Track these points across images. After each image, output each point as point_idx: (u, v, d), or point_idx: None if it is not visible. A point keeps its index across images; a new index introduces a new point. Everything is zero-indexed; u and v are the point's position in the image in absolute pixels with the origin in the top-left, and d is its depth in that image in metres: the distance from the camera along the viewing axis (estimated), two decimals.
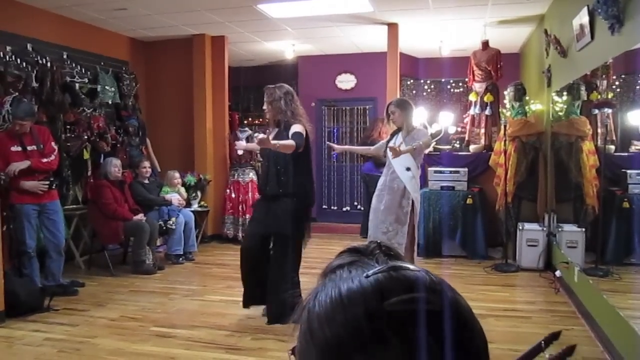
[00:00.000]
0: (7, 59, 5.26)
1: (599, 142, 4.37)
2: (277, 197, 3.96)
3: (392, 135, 4.72)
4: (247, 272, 4.13)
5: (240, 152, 7.28)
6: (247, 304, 4.18)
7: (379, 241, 0.63)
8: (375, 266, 0.58)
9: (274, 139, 3.92)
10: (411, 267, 0.58)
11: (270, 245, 4.09)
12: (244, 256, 4.16)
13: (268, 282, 4.02)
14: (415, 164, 4.51)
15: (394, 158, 4.47)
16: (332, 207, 8.85)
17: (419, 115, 7.18)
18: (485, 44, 6.72)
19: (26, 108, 4.73)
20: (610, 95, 4.15)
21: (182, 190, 6.63)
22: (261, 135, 3.65)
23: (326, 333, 0.56)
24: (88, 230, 6.06)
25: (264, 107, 4.12)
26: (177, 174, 6.60)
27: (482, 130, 6.77)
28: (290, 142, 3.76)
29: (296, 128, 3.88)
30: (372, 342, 0.53)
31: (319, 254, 6.63)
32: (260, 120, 9.59)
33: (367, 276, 0.56)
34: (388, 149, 4.60)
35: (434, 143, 6.35)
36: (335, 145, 5.27)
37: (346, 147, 5.36)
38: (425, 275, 0.57)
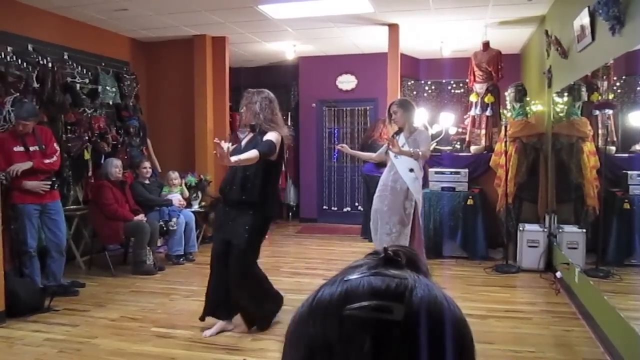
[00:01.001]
0: (8, 59, 5.26)
1: (599, 143, 4.37)
2: (239, 204, 3.75)
3: (394, 136, 4.71)
4: (213, 278, 3.93)
5: None
6: (204, 315, 3.95)
7: (385, 246, 0.61)
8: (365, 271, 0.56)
9: (247, 143, 3.81)
10: (396, 272, 0.55)
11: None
12: (212, 262, 3.96)
13: (232, 293, 3.85)
14: (419, 166, 4.51)
15: (394, 151, 4.44)
16: (333, 208, 8.86)
17: (420, 116, 7.20)
18: (486, 45, 6.72)
19: (29, 108, 4.74)
20: (611, 96, 4.15)
21: (184, 189, 6.64)
22: (222, 144, 3.38)
23: (297, 337, 0.55)
24: (89, 231, 6.06)
25: (240, 109, 3.96)
26: (173, 175, 6.60)
27: (483, 131, 6.77)
28: (253, 153, 3.54)
29: (270, 136, 3.69)
30: (322, 350, 0.52)
31: (319, 254, 6.65)
32: None
33: (347, 280, 0.55)
34: (389, 145, 4.57)
35: (434, 145, 6.36)
36: (347, 147, 5.13)
37: (352, 151, 5.34)
38: (398, 282, 0.54)
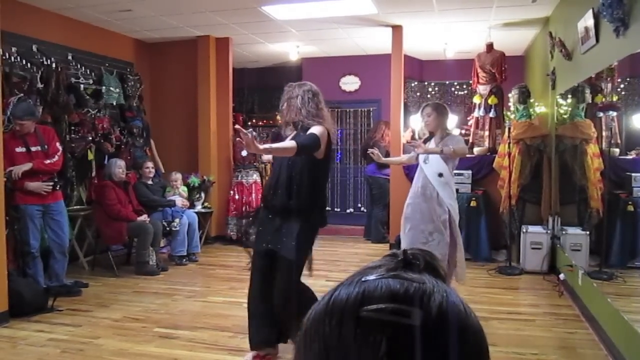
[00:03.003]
0: (12, 59, 5.28)
1: (603, 145, 4.36)
2: (284, 211, 3.29)
3: (425, 142, 4.46)
4: (257, 296, 3.42)
5: (244, 154, 7.29)
6: (256, 344, 3.41)
7: (405, 248, 0.60)
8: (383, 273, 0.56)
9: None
10: (414, 276, 0.55)
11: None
12: (255, 279, 3.43)
13: (277, 311, 3.35)
14: (449, 170, 4.25)
15: (418, 151, 4.26)
16: (336, 209, 8.85)
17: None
18: (490, 47, 6.71)
19: (24, 107, 4.74)
20: (615, 98, 4.13)
21: (184, 189, 6.65)
22: (249, 134, 2.93)
23: (312, 335, 0.55)
24: (92, 231, 6.08)
25: (281, 106, 3.49)
26: (174, 176, 6.62)
27: (486, 133, 6.76)
28: (290, 144, 3.12)
29: (314, 129, 3.22)
30: (337, 350, 0.52)
31: (321, 256, 6.63)
32: (264, 121, 9.61)
33: (364, 281, 0.55)
34: (414, 147, 4.38)
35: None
36: (377, 153, 4.88)
37: (383, 159, 4.99)
38: (417, 286, 0.53)
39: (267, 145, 3.13)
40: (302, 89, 3.38)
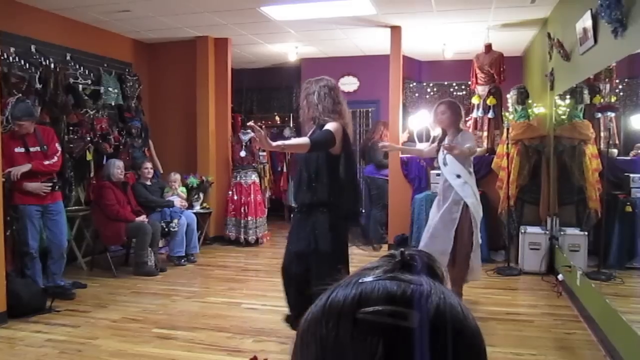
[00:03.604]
0: (11, 60, 5.27)
1: (602, 146, 4.37)
2: (311, 207, 3.37)
3: (439, 142, 4.48)
4: (286, 291, 3.59)
5: (242, 154, 7.28)
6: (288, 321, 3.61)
7: (402, 249, 0.60)
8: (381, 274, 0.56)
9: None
10: (412, 277, 0.55)
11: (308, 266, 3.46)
12: (282, 275, 3.60)
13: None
14: (465, 170, 4.24)
15: (454, 154, 4.19)
16: None
17: (422, 118, 7.20)
18: (488, 47, 6.72)
19: (22, 108, 4.73)
20: (613, 99, 4.14)
21: (182, 190, 6.64)
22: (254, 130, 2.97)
23: (309, 337, 0.55)
24: (90, 232, 6.06)
25: (301, 102, 3.54)
26: (173, 177, 6.61)
27: (485, 134, 6.76)
28: (302, 140, 3.22)
29: (329, 126, 3.26)
30: (333, 352, 0.52)
31: None
32: (263, 122, 9.62)
33: (361, 283, 0.55)
34: (442, 150, 4.32)
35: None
36: (387, 144, 4.74)
37: (398, 146, 4.80)
38: (414, 288, 0.53)
39: (280, 142, 3.20)
40: (319, 85, 3.42)
